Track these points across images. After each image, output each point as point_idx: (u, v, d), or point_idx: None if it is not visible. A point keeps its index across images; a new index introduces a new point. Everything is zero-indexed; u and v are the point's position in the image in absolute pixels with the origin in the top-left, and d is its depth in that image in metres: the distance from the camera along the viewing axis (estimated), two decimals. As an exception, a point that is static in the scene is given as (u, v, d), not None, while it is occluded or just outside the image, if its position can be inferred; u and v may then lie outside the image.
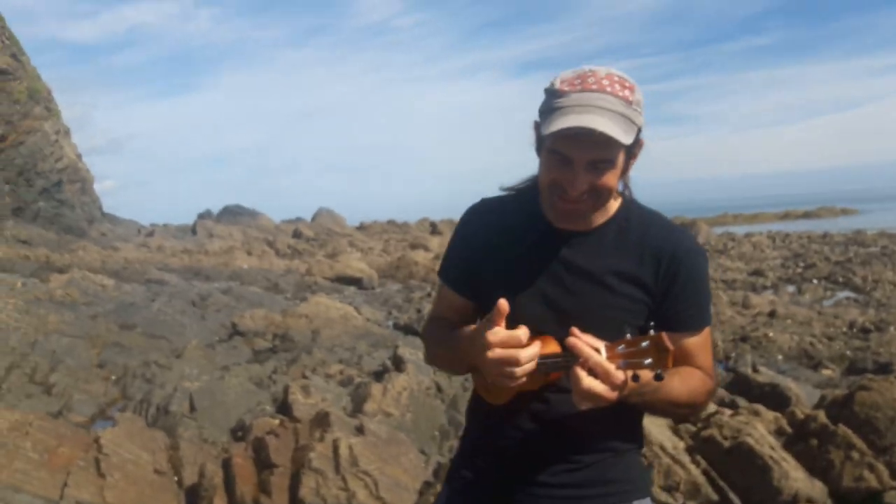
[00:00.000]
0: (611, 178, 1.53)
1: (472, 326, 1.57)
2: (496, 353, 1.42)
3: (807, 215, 63.45)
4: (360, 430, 5.42)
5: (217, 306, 14.02)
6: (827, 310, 14.45)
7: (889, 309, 14.06)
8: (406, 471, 5.17)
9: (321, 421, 5.42)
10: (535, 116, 1.59)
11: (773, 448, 4.46)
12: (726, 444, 4.50)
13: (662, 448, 4.47)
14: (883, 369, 8.66)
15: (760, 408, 5.09)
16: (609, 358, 1.37)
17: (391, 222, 47.61)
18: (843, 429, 4.43)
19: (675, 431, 4.81)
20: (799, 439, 4.59)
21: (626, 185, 1.68)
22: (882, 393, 4.50)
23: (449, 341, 1.69)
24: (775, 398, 6.38)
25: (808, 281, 19.08)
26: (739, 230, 39.23)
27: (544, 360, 1.48)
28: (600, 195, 1.55)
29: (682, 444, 4.64)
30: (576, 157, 1.49)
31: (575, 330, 1.41)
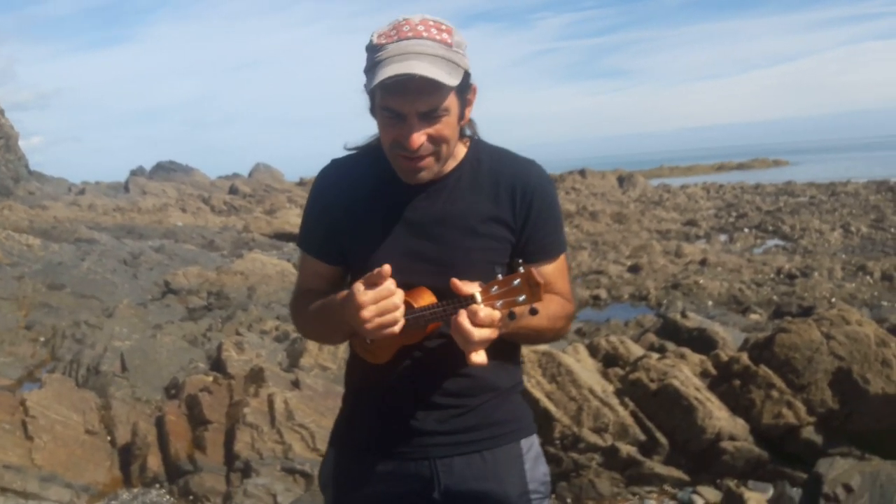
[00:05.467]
0: (447, 127, 1.52)
1: (344, 293, 1.53)
2: (370, 309, 1.43)
3: (740, 167, 65.06)
4: (295, 385, 5.39)
5: (150, 264, 13.71)
6: (756, 257, 14.94)
7: (814, 255, 14.63)
8: (342, 423, 5.18)
9: (255, 376, 5.37)
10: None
11: (697, 389, 4.61)
12: (653, 386, 4.63)
13: (592, 391, 4.57)
14: (806, 313, 9.00)
15: (687, 351, 5.24)
16: (485, 300, 1.39)
17: (332, 177, 46.84)
18: (763, 369, 4.60)
19: (605, 375, 4.93)
20: (723, 380, 4.75)
21: (471, 128, 1.67)
22: (800, 334, 4.68)
23: (322, 312, 1.64)
24: (703, 342, 6.57)
25: (740, 230, 19.68)
26: (675, 182, 40.03)
27: (422, 313, 1.50)
28: (440, 146, 1.53)
29: (610, 388, 4.76)
30: (406, 109, 1.47)
31: (454, 280, 1.42)
